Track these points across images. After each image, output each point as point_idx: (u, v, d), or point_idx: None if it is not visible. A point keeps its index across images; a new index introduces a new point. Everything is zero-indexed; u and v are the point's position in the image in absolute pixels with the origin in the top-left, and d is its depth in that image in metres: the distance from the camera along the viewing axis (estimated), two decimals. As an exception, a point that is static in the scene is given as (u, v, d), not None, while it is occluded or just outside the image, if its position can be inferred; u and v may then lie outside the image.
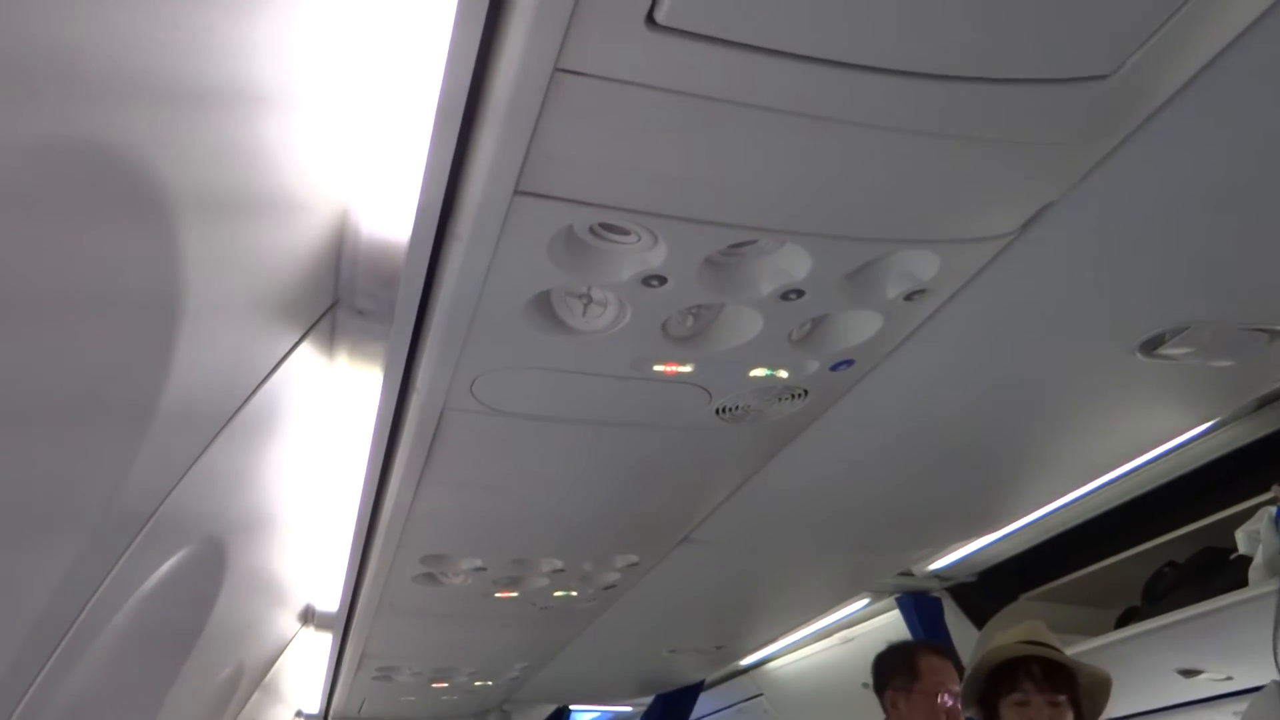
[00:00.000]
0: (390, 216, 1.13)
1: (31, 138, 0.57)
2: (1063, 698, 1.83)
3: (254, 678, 2.60)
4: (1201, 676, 3.50)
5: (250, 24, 0.76)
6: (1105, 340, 1.47)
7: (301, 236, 1.10)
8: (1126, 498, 2.98)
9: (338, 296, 1.28)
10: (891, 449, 1.88)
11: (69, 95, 0.61)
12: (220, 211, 0.88)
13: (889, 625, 4.91)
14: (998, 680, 1.88)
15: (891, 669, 2.43)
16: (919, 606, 4.55)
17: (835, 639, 5.51)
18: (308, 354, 1.32)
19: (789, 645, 5.83)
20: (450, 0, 0.77)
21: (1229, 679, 3.58)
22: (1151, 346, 1.45)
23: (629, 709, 5.49)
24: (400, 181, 1.07)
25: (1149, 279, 1.33)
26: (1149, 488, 2.91)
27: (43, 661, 1.02)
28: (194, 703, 1.94)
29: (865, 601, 4.93)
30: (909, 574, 4.38)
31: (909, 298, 1.24)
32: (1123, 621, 2.97)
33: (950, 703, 2.30)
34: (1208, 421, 2.41)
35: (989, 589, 4.24)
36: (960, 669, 2.38)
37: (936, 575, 4.40)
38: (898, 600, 4.65)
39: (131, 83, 0.68)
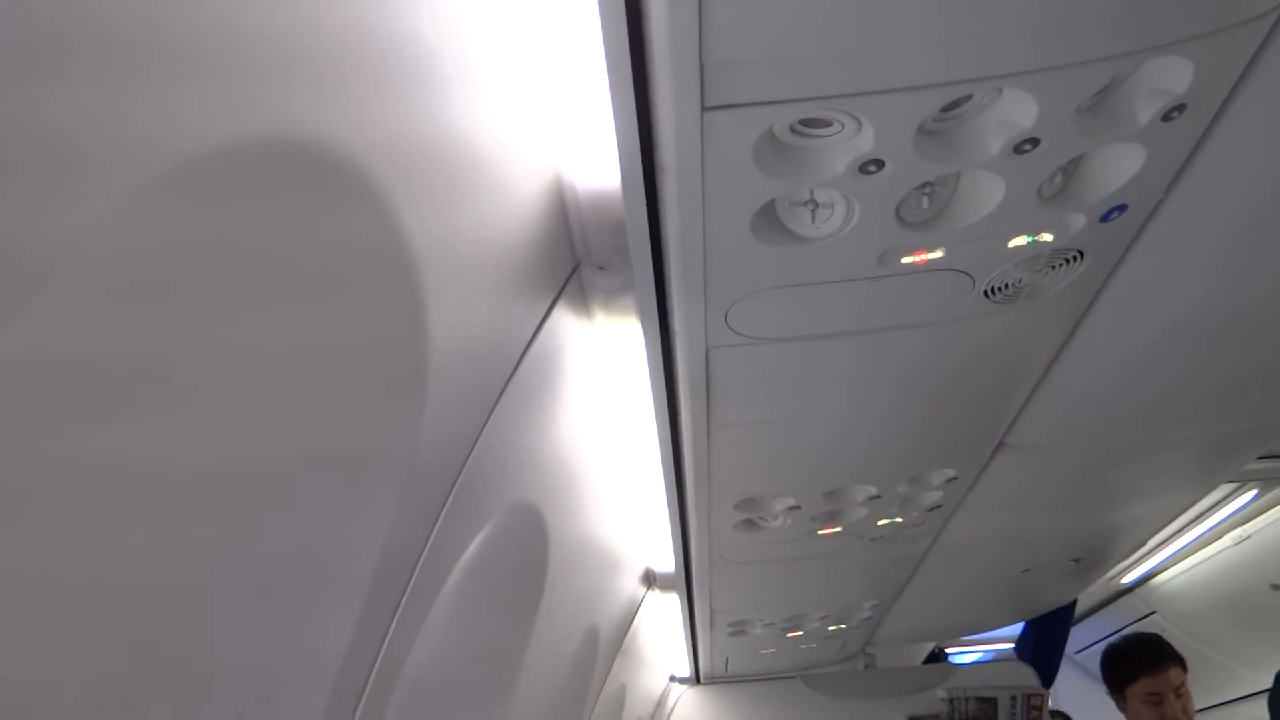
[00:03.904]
0: (598, 166, 1.18)
1: (224, 130, 0.65)
2: None
3: (611, 642, 2.78)
4: None
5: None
6: None
7: (522, 203, 1.17)
8: None
9: (578, 258, 1.34)
10: (1216, 296, 1.67)
11: (252, 84, 0.69)
12: (433, 193, 0.95)
13: (1290, 516, 4.38)
14: None
15: None
16: (1321, 489, 4.02)
17: (1227, 540, 5.02)
18: (566, 319, 1.40)
19: (1174, 555, 5.39)
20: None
21: None
22: None
23: (1009, 646, 5.28)
24: (598, 129, 1.11)
25: None
26: None
27: (383, 633, 1.15)
28: (554, 667, 2.11)
29: (1254, 493, 4.44)
30: (1301, 451, 3.88)
31: (1168, 118, 1.10)
32: None
33: None
34: None
35: (1407, 455, 3.66)
36: None
37: (1336, 450, 3.86)
38: (1293, 486, 4.14)
39: (313, 69, 0.76)
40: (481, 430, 1.23)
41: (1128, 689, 2.74)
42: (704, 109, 1.01)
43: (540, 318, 1.31)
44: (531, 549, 1.67)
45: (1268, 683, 5.07)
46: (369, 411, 0.99)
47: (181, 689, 0.88)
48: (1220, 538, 4.92)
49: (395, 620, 1.15)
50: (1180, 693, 2.69)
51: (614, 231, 1.26)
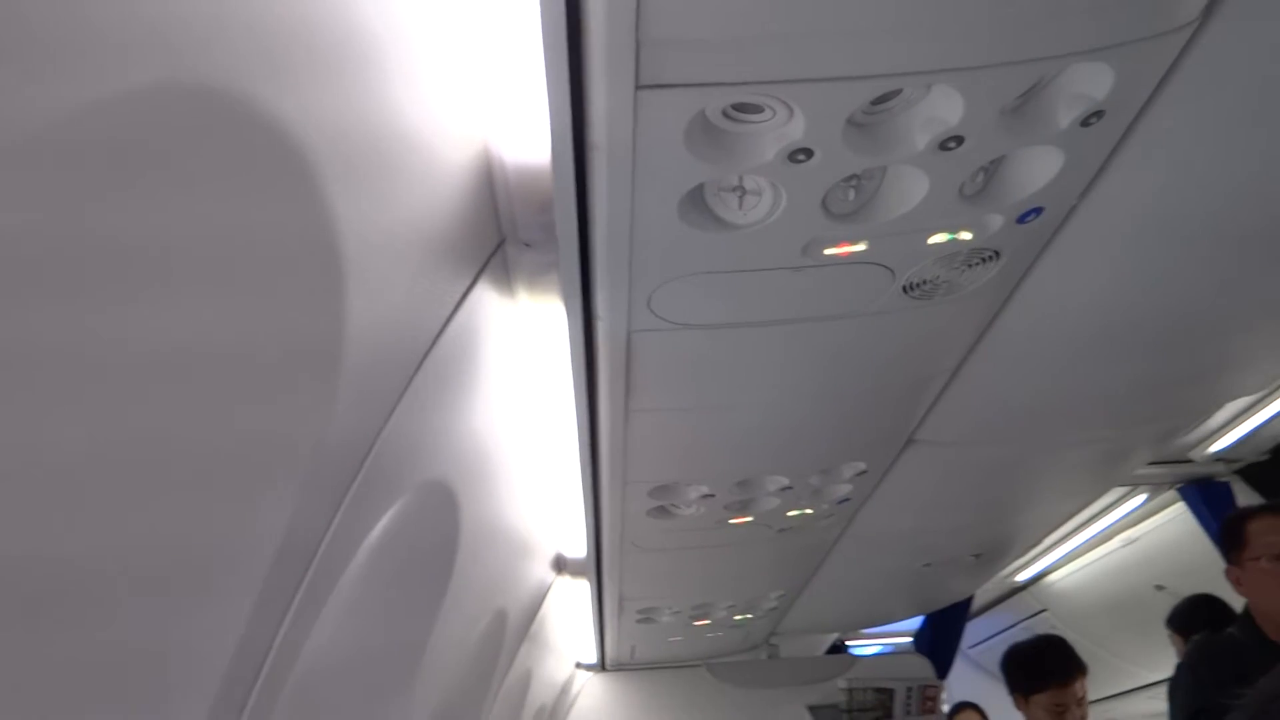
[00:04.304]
0: (529, 141, 1.16)
1: (147, 85, 0.62)
2: None
3: (519, 627, 2.76)
4: None
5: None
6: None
7: (450, 179, 1.14)
8: None
9: (503, 233, 1.32)
10: (1117, 305, 1.73)
11: (186, 43, 0.66)
12: (353, 164, 0.92)
13: (1177, 520, 4.57)
14: None
15: (1224, 543, 2.22)
16: (1205, 495, 4.21)
17: (1117, 541, 5.22)
18: (488, 295, 1.38)
19: (1066, 555, 5.58)
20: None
21: None
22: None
23: (909, 639, 5.42)
24: (530, 104, 1.09)
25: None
26: None
27: (280, 617, 1.11)
28: (459, 651, 2.08)
29: (1144, 497, 4.62)
30: (1187, 460, 4.06)
31: (1086, 123, 1.13)
32: None
33: None
34: None
35: (1287, 466, 3.85)
36: None
37: (1220, 458, 4.05)
38: (1180, 491, 4.33)
39: (246, 30, 0.73)
40: (395, 407, 1.21)
41: (1031, 697, 2.78)
42: (638, 87, 1.00)
43: (461, 294, 1.28)
44: (442, 529, 1.64)
45: (1151, 678, 5.31)
46: (276, 393, 0.96)
47: (54, 690, 0.82)
48: (1110, 539, 5.11)
49: (293, 608, 1.12)
50: (1081, 702, 2.75)
51: (541, 208, 1.24)
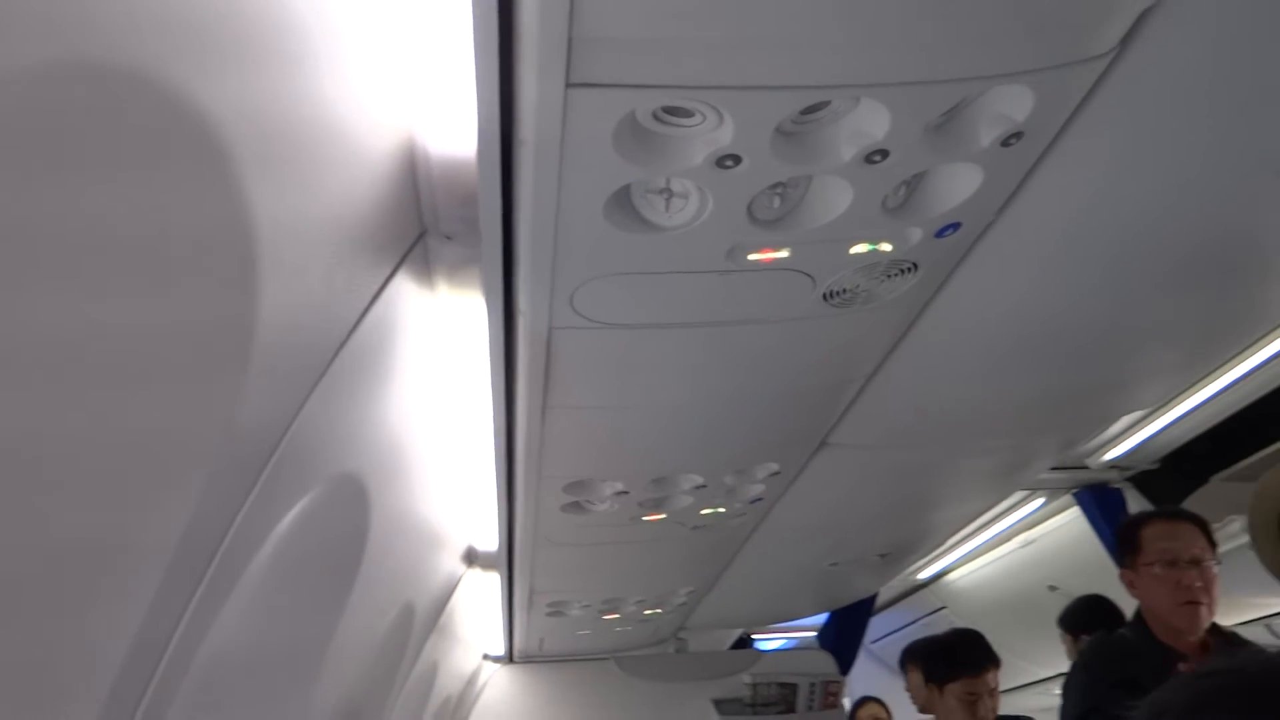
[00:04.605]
0: (456, 134, 1.14)
1: (46, 63, 0.59)
2: None
3: (427, 619, 2.73)
4: None
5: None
6: (1252, 158, 1.34)
7: (372, 168, 1.11)
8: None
9: (424, 225, 1.29)
10: (1026, 320, 1.78)
11: (92, 21, 0.62)
12: (270, 149, 0.89)
13: (1071, 524, 4.74)
14: None
15: (1119, 547, 2.28)
16: (1099, 500, 4.37)
17: (1015, 543, 5.39)
18: (407, 287, 1.35)
19: (967, 555, 5.74)
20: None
21: None
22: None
23: (814, 634, 5.51)
24: (458, 96, 1.07)
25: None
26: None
27: (181, 611, 1.07)
28: (365, 644, 2.05)
29: (1041, 501, 4.78)
30: (1084, 467, 4.21)
31: (1006, 143, 1.16)
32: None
33: (1178, 571, 2.12)
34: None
35: (1175, 474, 4.02)
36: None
37: (1114, 465, 4.21)
38: (1075, 496, 4.48)
39: (160, 10, 0.70)
40: (307, 398, 1.17)
41: (945, 686, 2.86)
42: (569, 85, 0.99)
43: (380, 284, 1.25)
44: (352, 522, 1.61)
45: (1043, 673, 5.50)
46: (182, 381, 0.92)
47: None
48: (1009, 540, 5.27)
49: (192, 605, 1.08)
50: (993, 693, 2.83)
51: (464, 201, 1.22)
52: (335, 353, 1.20)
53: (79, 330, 0.74)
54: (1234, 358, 2.70)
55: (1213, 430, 3.40)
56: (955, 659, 2.89)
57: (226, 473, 1.05)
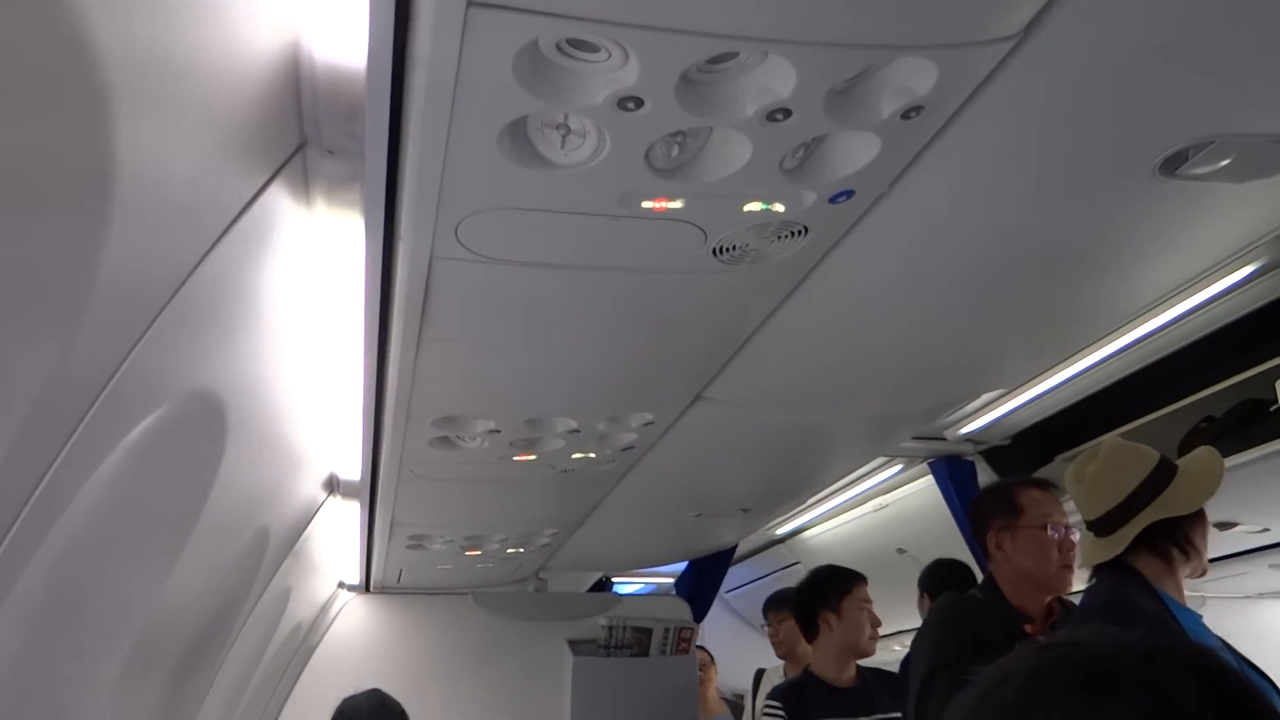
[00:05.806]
0: (346, 43, 1.07)
1: None
2: None
3: (282, 544, 2.65)
4: (1237, 529, 3.47)
5: None
6: (1124, 161, 1.38)
7: (251, 69, 1.04)
8: (1163, 353, 2.89)
9: (305, 136, 1.22)
10: (902, 294, 1.82)
11: None
12: (146, 38, 0.82)
13: (922, 491, 4.94)
14: None
15: (990, 510, 2.36)
16: (952, 471, 4.55)
17: (869, 506, 5.58)
18: (282, 200, 1.28)
19: (823, 514, 5.93)
20: None
21: (1265, 530, 3.55)
22: (1173, 166, 1.36)
23: (670, 580, 5.60)
24: (351, 2, 1.01)
25: (1169, 86, 1.24)
26: (1187, 342, 2.82)
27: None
28: (213, 566, 1.97)
29: (899, 468, 4.96)
30: (941, 438, 4.38)
31: (906, 115, 1.16)
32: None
33: (1060, 534, 2.25)
34: (1249, 266, 2.32)
35: (1023, 451, 4.22)
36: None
37: (969, 439, 4.39)
38: (930, 465, 4.65)
39: None
40: (161, 310, 1.10)
41: (844, 599, 3.06)
42: (470, 3, 0.94)
43: (251, 195, 1.18)
44: (206, 440, 1.53)
45: (887, 629, 5.75)
46: (23, 294, 0.84)
47: None
48: (864, 503, 5.46)
49: (15, 527, 1.01)
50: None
51: (350, 115, 1.16)
52: (196, 263, 1.13)
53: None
54: (1084, 349, 2.84)
55: (1060, 413, 3.58)
56: (838, 578, 3.13)
57: (54, 404, 0.97)
